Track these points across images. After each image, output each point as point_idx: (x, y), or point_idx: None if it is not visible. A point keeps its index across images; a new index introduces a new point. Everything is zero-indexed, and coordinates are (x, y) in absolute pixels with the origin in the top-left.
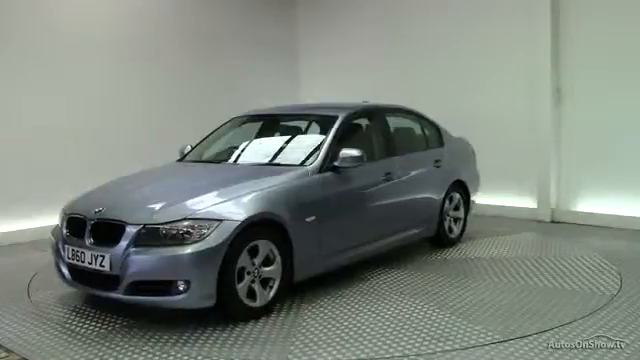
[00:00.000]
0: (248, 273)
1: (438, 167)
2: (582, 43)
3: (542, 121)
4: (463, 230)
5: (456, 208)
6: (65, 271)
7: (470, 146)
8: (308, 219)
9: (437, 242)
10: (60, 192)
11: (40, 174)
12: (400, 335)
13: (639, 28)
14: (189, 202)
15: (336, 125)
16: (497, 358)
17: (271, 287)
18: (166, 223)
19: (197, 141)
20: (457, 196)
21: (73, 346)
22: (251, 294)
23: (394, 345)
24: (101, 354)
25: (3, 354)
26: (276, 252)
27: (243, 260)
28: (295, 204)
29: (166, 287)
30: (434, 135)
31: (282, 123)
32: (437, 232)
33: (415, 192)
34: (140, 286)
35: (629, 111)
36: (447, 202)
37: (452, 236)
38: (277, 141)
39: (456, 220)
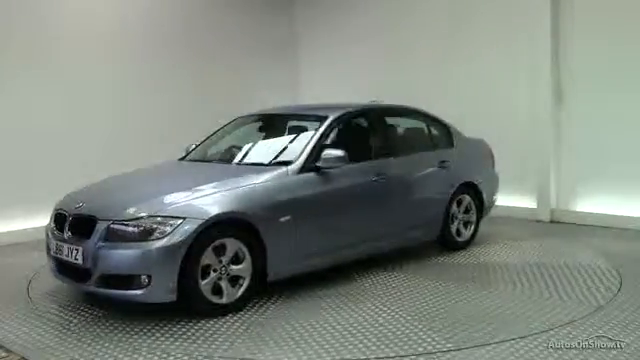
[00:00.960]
0: (214, 270)
1: (444, 168)
2: (582, 43)
3: (542, 121)
4: (474, 234)
5: (467, 211)
6: (52, 264)
7: (487, 148)
8: (283, 219)
9: (444, 245)
10: (60, 192)
11: (40, 174)
12: (368, 338)
13: (639, 28)
14: (157, 200)
15: (324, 126)
16: (497, 358)
17: (241, 285)
18: (132, 220)
19: (197, 140)
20: (467, 199)
21: (73, 346)
22: (219, 291)
23: (357, 348)
24: (101, 354)
25: (3, 354)
26: (245, 251)
27: (208, 257)
28: (268, 204)
29: (131, 281)
30: (442, 136)
31: (279, 123)
32: (442, 235)
33: (413, 194)
34: (108, 279)
35: (629, 111)
36: (455, 205)
37: (460, 239)
38: (270, 141)
39: (467, 223)
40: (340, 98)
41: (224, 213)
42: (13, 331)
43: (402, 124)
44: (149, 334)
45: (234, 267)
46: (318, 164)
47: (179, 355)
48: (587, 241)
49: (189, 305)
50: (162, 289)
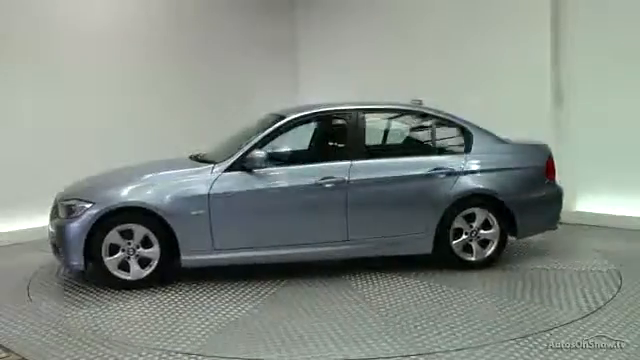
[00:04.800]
0: (123, 250)
1: (440, 176)
2: (582, 43)
3: (542, 121)
4: (496, 253)
5: (487, 226)
6: None
7: (543, 155)
8: (194, 212)
9: (446, 263)
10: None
11: (41, 174)
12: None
13: (639, 27)
14: (87, 187)
15: (273, 127)
16: (497, 358)
17: (150, 266)
18: (64, 200)
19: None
20: (484, 213)
21: (73, 346)
22: (127, 268)
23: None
24: (101, 354)
25: (3, 354)
26: (153, 237)
27: (114, 238)
28: (179, 197)
29: (57, 250)
30: (453, 140)
31: (276, 122)
32: (438, 251)
33: (376, 200)
34: (55, 247)
35: (629, 111)
36: (461, 218)
37: (472, 259)
38: (242, 140)
39: (485, 241)
40: (339, 99)
41: (122, 202)
42: (13, 331)
43: (397, 126)
44: (149, 334)
45: (143, 250)
46: (244, 164)
47: (179, 355)
48: (587, 241)
49: (95, 277)
50: (73, 259)
